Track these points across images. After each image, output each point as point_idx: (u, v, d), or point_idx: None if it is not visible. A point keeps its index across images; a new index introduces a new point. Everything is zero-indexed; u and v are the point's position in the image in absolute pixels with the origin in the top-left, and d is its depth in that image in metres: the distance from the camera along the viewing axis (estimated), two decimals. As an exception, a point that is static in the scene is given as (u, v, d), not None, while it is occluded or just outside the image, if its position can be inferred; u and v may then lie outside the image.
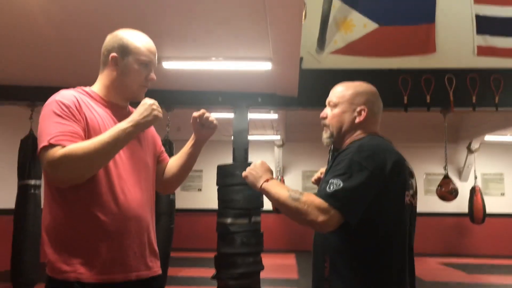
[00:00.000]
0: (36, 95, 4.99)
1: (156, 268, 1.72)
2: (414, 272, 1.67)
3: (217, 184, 4.89)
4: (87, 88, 1.69)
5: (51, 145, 1.46)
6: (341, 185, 1.44)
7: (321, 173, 1.81)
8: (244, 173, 1.67)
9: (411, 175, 1.68)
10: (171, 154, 5.06)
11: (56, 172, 1.47)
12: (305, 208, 1.45)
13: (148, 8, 3.17)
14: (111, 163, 1.57)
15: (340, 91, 1.71)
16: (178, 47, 3.89)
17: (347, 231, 1.49)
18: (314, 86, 5.06)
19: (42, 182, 4.84)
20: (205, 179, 10.50)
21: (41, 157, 1.48)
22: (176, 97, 5.24)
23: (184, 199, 10.20)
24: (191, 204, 10.40)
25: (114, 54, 1.65)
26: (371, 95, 1.70)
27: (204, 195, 10.47)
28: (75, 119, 1.53)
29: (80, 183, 1.51)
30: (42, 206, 1.65)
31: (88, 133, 1.55)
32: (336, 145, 1.73)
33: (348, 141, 1.67)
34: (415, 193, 1.69)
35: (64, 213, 1.54)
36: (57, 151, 1.45)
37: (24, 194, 4.90)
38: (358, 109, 1.65)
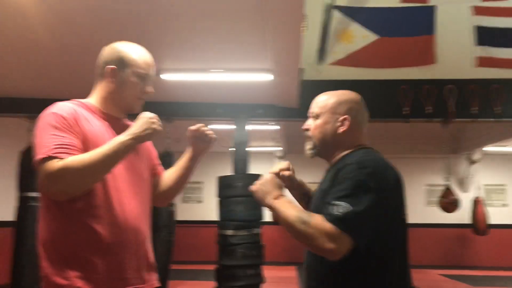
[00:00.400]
0: (34, 107, 4.95)
1: (153, 281, 1.69)
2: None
3: (218, 195, 4.87)
4: (83, 100, 1.68)
5: (49, 158, 1.44)
6: (350, 208, 1.37)
7: (281, 170, 1.69)
8: (252, 187, 1.58)
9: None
10: (171, 165, 5.04)
11: (54, 185, 1.45)
12: (313, 232, 1.37)
13: (148, 20, 3.18)
14: (108, 175, 1.56)
15: (322, 101, 1.65)
16: (178, 58, 3.89)
17: (351, 252, 1.41)
18: (315, 97, 5.06)
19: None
20: (206, 191, 10.46)
21: (39, 169, 1.46)
22: (175, 109, 5.24)
23: (184, 211, 10.15)
24: (191, 216, 10.35)
25: (111, 66, 1.64)
26: (355, 103, 1.63)
27: (204, 207, 10.43)
28: (73, 131, 1.52)
29: (77, 195, 1.50)
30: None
31: (86, 146, 1.53)
32: (322, 157, 1.68)
33: (338, 155, 1.61)
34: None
35: (60, 225, 1.53)
36: (55, 164, 1.43)
37: (24, 206, 4.88)
38: (341, 118, 1.59)
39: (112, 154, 1.49)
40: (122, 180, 1.61)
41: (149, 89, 1.70)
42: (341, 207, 1.37)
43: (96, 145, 1.53)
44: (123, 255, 1.55)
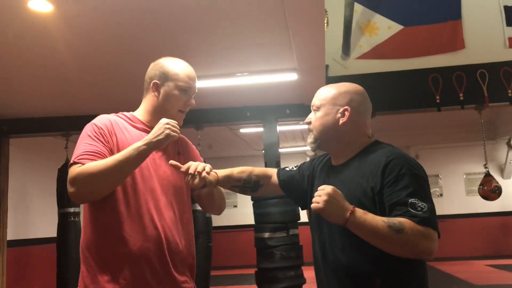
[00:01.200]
0: (69, 125, 5.14)
1: (187, 284, 1.72)
2: None
3: (252, 199, 4.87)
4: (128, 113, 1.80)
5: (74, 163, 1.56)
6: (428, 205, 1.38)
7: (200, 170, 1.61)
8: (317, 206, 1.40)
9: None
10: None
11: (71, 188, 1.54)
12: (413, 239, 1.34)
13: (170, 31, 3.21)
14: (141, 185, 1.64)
15: (322, 93, 1.63)
16: (203, 65, 3.92)
17: None
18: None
19: (81, 209, 4.95)
20: (240, 195, 10.46)
21: (68, 175, 1.58)
22: (205, 116, 5.28)
23: (220, 217, 10.13)
24: (227, 221, 10.40)
25: (155, 81, 1.75)
26: (356, 94, 1.60)
27: (240, 211, 10.47)
28: (104, 140, 1.63)
29: (109, 202, 1.59)
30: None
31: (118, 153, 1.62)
32: (324, 149, 1.66)
33: (355, 149, 1.58)
34: None
35: (93, 233, 1.63)
36: (75, 169, 1.54)
37: (65, 221, 5.02)
38: (341, 109, 1.56)
39: (124, 160, 1.55)
40: (156, 190, 1.67)
41: (191, 101, 1.78)
42: (419, 206, 1.38)
43: None
44: (150, 264, 1.60)
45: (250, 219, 5.19)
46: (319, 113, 1.60)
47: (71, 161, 1.57)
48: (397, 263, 1.41)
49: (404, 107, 5.14)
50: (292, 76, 4.12)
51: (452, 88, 4.94)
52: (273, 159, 5.06)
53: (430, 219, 1.37)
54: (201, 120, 5.27)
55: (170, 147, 1.76)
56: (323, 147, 1.64)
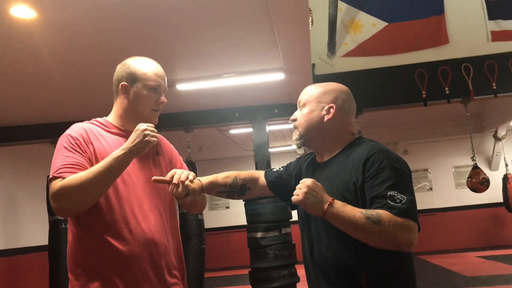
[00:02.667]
0: (56, 132, 5.03)
1: (177, 286, 1.71)
2: None
3: (244, 199, 4.88)
4: (101, 119, 1.76)
5: (54, 178, 1.54)
6: (408, 197, 1.40)
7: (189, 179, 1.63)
8: (297, 198, 1.43)
9: None
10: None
11: (55, 203, 1.52)
12: (391, 230, 1.35)
13: (155, 35, 3.21)
14: (123, 190, 1.62)
15: (309, 91, 1.66)
16: (190, 68, 3.92)
17: None
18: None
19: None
20: (232, 196, 10.49)
21: (49, 189, 1.55)
22: (193, 118, 5.28)
23: (212, 218, 10.21)
24: (220, 222, 10.40)
25: (123, 83, 1.71)
26: (341, 92, 1.63)
27: (232, 212, 10.47)
28: (81, 150, 1.60)
29: (93, 210, 1.57)
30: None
31: (96, 162, 1.60)
32: (309, 146, 1.67)
33: (339, 146, 1.61)
34: None
35: (80, 242, 1.61)
36: (57, 184, 1.52)
37: (56, 229, 4.98)
38: (327, 107, 1.59)
39: (106, 170, 1.53)
40: (139, 193, 1.65)
41: (163, 99, 1.75)
42: (398, 198, 1.39)
43: None
44: (140, 269, 1.59)
45: (242, 220, 5.20)
46: (305, 110, 1.63)
47: (51, 176, 1.55)
48: (382, 257, 1.43)
49: (391, 103, 5.18)
50: (279, 76, 4.14)
51: (437, 83, 5.00)
52: (263, 159, 5.07)
53: (409, 210, 1.38)
54: (190, 122, 5.27)
55: (150, 148, 1.71)
56: (308, 144, 1.66)
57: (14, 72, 3.66)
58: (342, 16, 5.26)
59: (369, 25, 5.29)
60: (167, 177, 1.62)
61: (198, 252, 4.86)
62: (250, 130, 5.33)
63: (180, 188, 1.59)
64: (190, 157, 5.15)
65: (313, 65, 4.95)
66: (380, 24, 5.30)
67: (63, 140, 1.63)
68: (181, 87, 4.25)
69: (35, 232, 6.40)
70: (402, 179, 1.44)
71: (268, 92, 4.77)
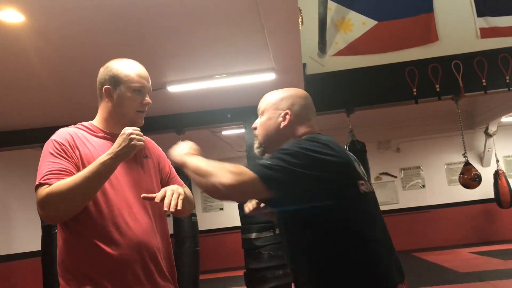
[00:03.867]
0: (47, 136, 5.02)
1: None
2: None
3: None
4: (86, 123, 1.75)
5: (40, 184, 1.52)
6: (271, 160, 1.38)
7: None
8: (169, 151, 1.58)
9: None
10: (187, 176, 5.06)
11: (42, 211, 1.52)
12: (218, 170, 1.36)
13: (144, 38, 3.19)
14: (111, 193, 1.61)
15: (267, 99, 1.67)
16: (181, 69, 3.91)
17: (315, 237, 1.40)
18: (321, 90, 5.05)
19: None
20: (226, 198, 10.47)
21: (36, 196, 1.53)
22: (185, 119, 5.27)
23: (206, 220, 10.19)
24: (214, 224, 10.38)
25: (106, 86, 1.69)
26: (298, 98, 1.63)
27: (226, 213, 10.45)
28: (67, 156, 1.59)
29: (82, 215, 1.56)
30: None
31: (83, 167, 1.59)
32: (270, 153, 1.62)
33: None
34: (367, 179, 1.55)
35: (70, 247, 1.60)
36: (44, 190, 1.50)
37: (49, 234, 4.94)
38: (283, 113, 1.59)
39: (93, 175, 1.52)
40: (127, 195, 1.64)
41: (147, 100, 1.72)
42: (266, 160, 1.40)
43: None
44: (131, 272, 1.58)
45: (236, 221, 5.19)
46: (263, 118, 1.63)
47: (37, 183, 1.53)
48: (332, 270, 1.38)
49: (382, 101, 5.21)
50: (270, 76, 4.14)
51: (428, 80, 5.03)
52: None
53: (258, 164, 1.37)
54: (182, 124, 5.25)
55: (138, 151, 1.70)
56: (269, 151, 1.64)
57: (3, 76, 3.63)
58: (332, 15, 5.28)
59: (359, 24, 5.32)
60: (157, 198, 1.59)
61: (192, 254, 4.84)
62: (242, 131, 5.33)
63: (173, 210, 1.58)
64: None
65: (304, 64, 4.96)
66: (370, 23, 5.33)
67: (48, 146, 1.62)
68: (172, 89, 4.23)
69: (27, 238, 6.34)
70: (287, 156, 1.37)
71: (260, 93, 4.71)
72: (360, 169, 1.52)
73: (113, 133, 1.70)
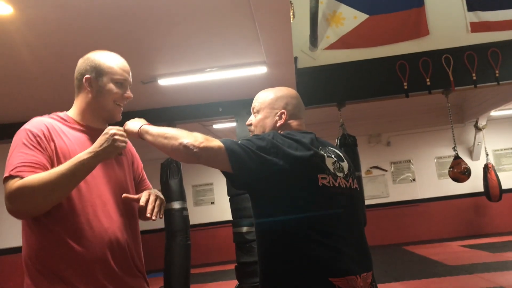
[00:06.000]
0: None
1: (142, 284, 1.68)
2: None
3: (228, 194, 4.87)
4: (61, 113, 1.68)
5: (11, 177, 1.43)
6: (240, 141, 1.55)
7: None
8: (123, 126, 1.64)
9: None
10: (179, 170, 5.06)
11: (11, 205, 1.43)
12: (185, 133, 1.51)
13: (134, 32, 3.16)
14: (85, 189, 1.54)
15: (261, 98, 1.80)
16: (172, 63, 3.88)
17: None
18: (312, 84, 5.05)
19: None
20: (217, 192, 10.49)
21: (4, 188, 1.44)
22: (176, 113, 5.24)
23: (198, 214, 10.19)
24: (205, 218, 10.37)
25: (87, 75, 1.64)
26: (290, 98, 1.77)
27: (217, 207, 10.45)
28: (41, 148, 1.50)
29: (53, 211, 1.48)
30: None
31: (58, 161, 1.52)
32: None
33: None
34: (347, 175, 1.65)
35: (37, 241, 1.51)
36: (15, 183, 1.41)
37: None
38: (279, 113, 1.74)
39: (70, 173, 1.44)
40: (101, 192, 1.59)
41: (129, 94, 1.69)
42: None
43: (69, 160, 1.50)
44: (103, 271, 1.53)
45: (228, 215, 5.19)
46: (259, 116, 1.78)
47: (7, 174, 1.43)
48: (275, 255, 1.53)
49: (373, 95, 5.22)
50: (261, 70, 4.13)
51: (419, 74, 5.05)
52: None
53: (230, 139, 1.54)
54: (173, 117, 5.23)
55: None
56: None
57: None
58: (323, 9, 5.27)
59: (350, 17, 5.31)
60: (142, 201, 1.60)
61: (183, 248, 4.84)
62: (233, 124, 5.31)
63: (155, 218, 1.63)
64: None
65: (296, 58, 4.95)
66: (361, 17, 5.33)
67: (21, 136, 1.51)
68: (163, 82, 4.21)
69: (16, 232, 6.29)
70: (261, 137, 1.56)
71: (251, 86, 4.75)
72: (336, 164, 1.62)
73: (90, 126, 1.66)
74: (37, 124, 1.56)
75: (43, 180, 1.41)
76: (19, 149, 1.49)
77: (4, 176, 1.44)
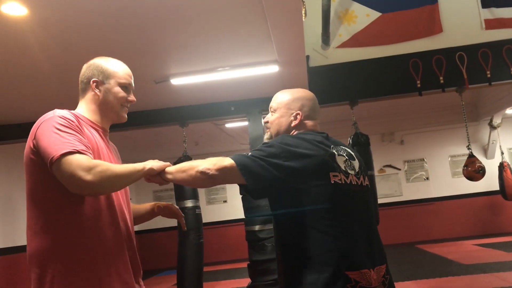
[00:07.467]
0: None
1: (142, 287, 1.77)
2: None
3: (240, 192, 4.88)
4: (74, 111, 1.71)
5: (78, 152, 1.46)
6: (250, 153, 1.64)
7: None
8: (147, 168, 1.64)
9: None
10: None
11: (88, 175, 1.43)
12: (197, 162, 1.62)
13: (147, 31, 3.19)
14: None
15: (279, 98, 1.89)
16: (184, 62, 3.90)
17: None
18: (325, 83, 5.04)
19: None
20: (229, 190, 10.52)
21: (65, 163, 1.43)
22: (189, 112, 5.27)
23: (210, 213, 10.23)
24: (218, 216, 10.41)
25: (95, 79, 1.73)
26: (306, 100, 1.86)
27: (230, 206, 10.48)
28: (81, 132, 1.57)
29: (80, 207, 1.55)
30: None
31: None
32: None
33: None
34: (358, 173, 1.73)
35: (57, 233, 1.56)
36: (91, 160, 1.48)
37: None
38: (294, 113, 1.83)
39: (134, 173, 1.57)
40: (119, 198, 1.70)
41: (132, 98, 1.80)
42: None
43: (95, 153, 1.59)
44: (123, 260, 1.62)
45: (240, 213, 5.21)
46: (276, 115, 1.87)
47: (67, 150, 1.43)
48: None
49: (386, 93, 5.19)
50: (273, 68, 4.13)
51: (432, 72, 5.00)
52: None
53: (241, 154, 1.63)
54: (185, 117, 5.25)
55: (111, 148, 1.80)
56: None
57: (6, 70, 3.63)
58: (335, 7, 5.25)
59: (362, 15, 5.28)
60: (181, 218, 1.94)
61: (196, 246, 4.86)
62: (245, 123, 5.32)
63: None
64: (186, 152, 5.14)
65: (308, 57, 4.94)
66: (374, 15, 5.29)
67: (55, 121, 1.53)
68: (175, 81, 4.23)
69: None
70: (271, 144, 1.64)
71: (263, 85, 4.75)
72: (348, 162, 1.69)
73: (100, 126, 1.75)
74: (65, 113, 1.60)
75: (119, 169, 1.54)
76: (62, 132, 1.50)
77: (66, 151, 1.44)
